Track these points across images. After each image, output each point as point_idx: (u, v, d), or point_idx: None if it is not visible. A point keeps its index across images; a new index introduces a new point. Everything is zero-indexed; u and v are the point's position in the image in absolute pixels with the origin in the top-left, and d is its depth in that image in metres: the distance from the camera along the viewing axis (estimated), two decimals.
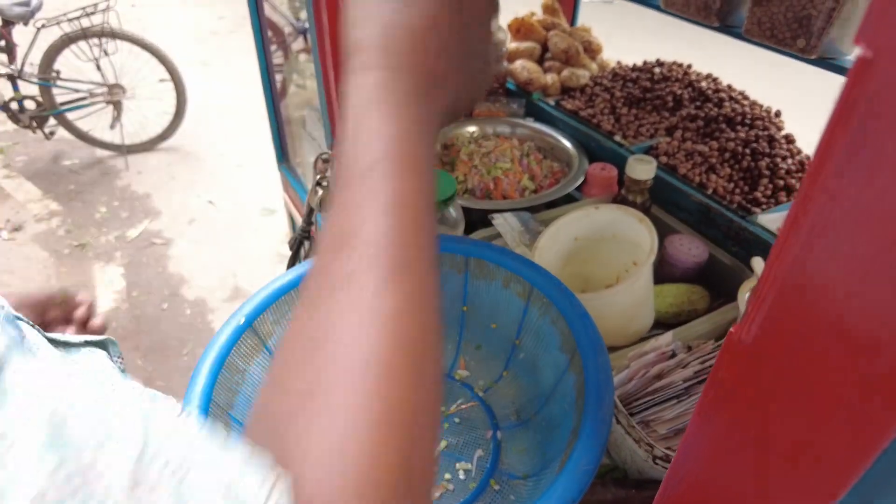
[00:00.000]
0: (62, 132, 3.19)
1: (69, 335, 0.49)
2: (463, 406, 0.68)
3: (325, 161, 0.83)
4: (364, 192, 0.27)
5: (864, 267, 0.16)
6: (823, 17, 0.80)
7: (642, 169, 0.87)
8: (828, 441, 0.17)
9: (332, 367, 0.24)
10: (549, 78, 1.26)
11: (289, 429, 0.23)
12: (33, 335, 0.40)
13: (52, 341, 0.46)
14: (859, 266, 0.16)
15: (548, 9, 1.39)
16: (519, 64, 1.28)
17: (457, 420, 0.67)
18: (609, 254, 0.84)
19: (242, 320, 0.58)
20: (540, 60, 1.34)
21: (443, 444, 0.64)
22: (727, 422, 0.21)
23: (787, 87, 3.95)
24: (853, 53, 0.86)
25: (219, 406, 0.53)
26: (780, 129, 1.08)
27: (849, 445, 0.17)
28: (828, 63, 0.85)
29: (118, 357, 0.53)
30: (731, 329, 0.19)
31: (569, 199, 1.04)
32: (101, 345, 0.52)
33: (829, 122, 0.16)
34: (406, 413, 0.23)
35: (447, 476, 0.61)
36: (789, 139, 1.05)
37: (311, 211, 0.89)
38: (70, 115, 3.11)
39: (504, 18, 1.28)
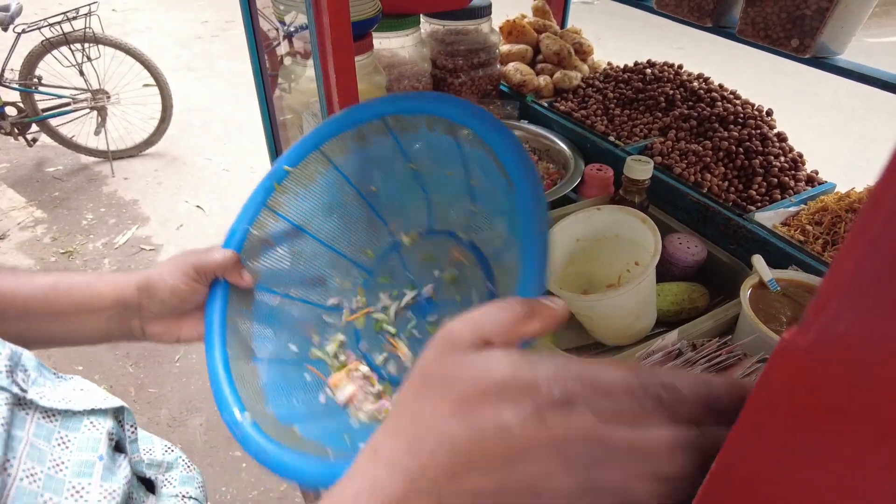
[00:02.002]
0: (45, 139, 3.14)
1: (74, 403, 0.47)
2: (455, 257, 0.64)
3: None
4: None
5: None
6: (817, 17, 0.81)
7: (640, 169, 0.88)
8: (891, 456, 0.17)
9: None
10: (542, 80, 1.26)
11: None
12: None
13: (49, 410, 0.45)
14: None
15: (538, 11, 1.40)
16: (512, 66, 1.28)
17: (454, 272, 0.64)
18: (611, 254, 0.84)
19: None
20: (532, 62, 1.35)
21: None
22: (779, 428, 0.21)
23: (767, 85, 4.00)
24: (845, 52, 0.88)
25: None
26: (771, 127, 1.09)
27: None
28: (821, 62, 0.86)
29: (131, 425, 0.52)
30: (785, 334, 0.20)
31: (566, 201, 1.05)
32: (117, 411, 0.51)
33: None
34: None
35: None
36: (781, 137, 1.06)
37: None
38: (53, 122, 3.07)
39: (495, 21, 1.29)
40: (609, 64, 1.34)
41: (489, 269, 0.60)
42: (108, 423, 0.49)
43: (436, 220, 0.66)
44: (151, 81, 3.11)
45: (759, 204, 0.96)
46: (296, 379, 0.58)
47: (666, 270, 0.89)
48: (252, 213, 0.64)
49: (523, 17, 1.39)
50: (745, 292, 0.75)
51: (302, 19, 1.18)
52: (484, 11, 1.20)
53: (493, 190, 0.55)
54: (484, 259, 0.61)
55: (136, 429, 0.54)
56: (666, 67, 1.25)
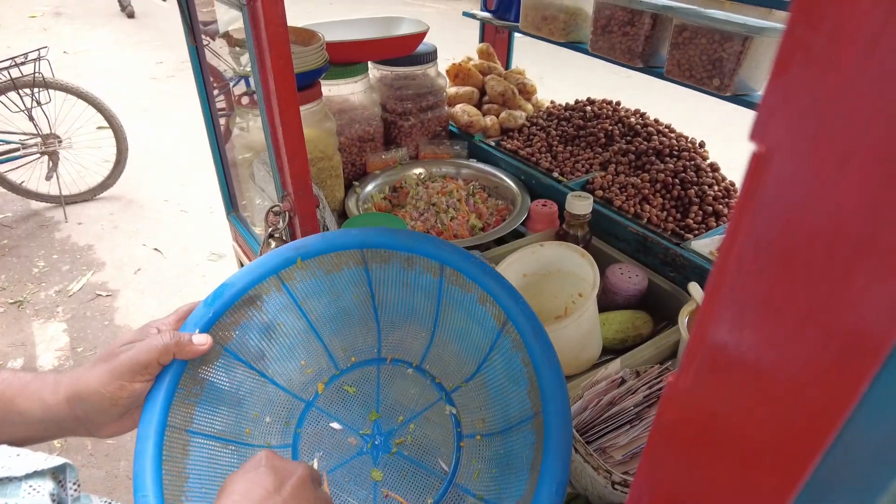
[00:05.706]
0: None
1: (13, 469, 0.46)
2: (432, 406, 0.69)
3: (277, 214, 0.84)
4: None
5: (762, 334, 0.20)
6: (733, 60, 0.88)
7: (580, 205, 0.93)
8: (755, 475, 0.21)
9: None
10: (489, 120, 1.32)
11: None
12: None
13: None
14: (759, 333, 0.20)
15: (483, 54, 1.46)
16: (459, 108, 1.33)
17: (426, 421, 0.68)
18: (556, 286, 0.88)
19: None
20: (479, 103, 1.40)
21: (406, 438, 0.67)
22: (674, 460, 0.25)
23: (709, 110, 4.18)
24: (762, 90, 0.95)
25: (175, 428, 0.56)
26: (704, 158, 1.16)
27: (775, 479, 0.21)
28: (740, 99, 0.93)
29: (74, 483, 0.51)
30: (671, 378, 0.23)
31: (516, 234, 1.09)
32: (58, 470, 0.49)
33: (730, 222, 0.19)
34: None
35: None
36: (714, 167, 1.13)
37: None
38: (0, 168, 3.00)
39: (442, 65, 1.34)
40: (552, 102, 1.41)
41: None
42: (48, 485, 0.48)
43: (427, 357, 0.73)
44: (105, 124, 3.08)
45: (697, 232, 1.02)
46: (224, 463, 0.59)
47: (610, 300, 0.93)
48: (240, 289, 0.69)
49: (469, 59, 1.44)
50: (683, 319, 0.79)
51: None
52: (429, 57, 1.25)
53: (512, 390, 0.63)
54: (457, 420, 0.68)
55: (78, 486, 0.52)
56: (605, 105, 1.32)
